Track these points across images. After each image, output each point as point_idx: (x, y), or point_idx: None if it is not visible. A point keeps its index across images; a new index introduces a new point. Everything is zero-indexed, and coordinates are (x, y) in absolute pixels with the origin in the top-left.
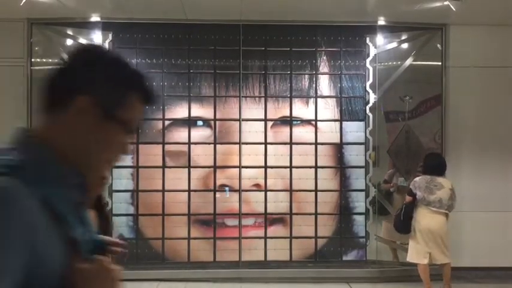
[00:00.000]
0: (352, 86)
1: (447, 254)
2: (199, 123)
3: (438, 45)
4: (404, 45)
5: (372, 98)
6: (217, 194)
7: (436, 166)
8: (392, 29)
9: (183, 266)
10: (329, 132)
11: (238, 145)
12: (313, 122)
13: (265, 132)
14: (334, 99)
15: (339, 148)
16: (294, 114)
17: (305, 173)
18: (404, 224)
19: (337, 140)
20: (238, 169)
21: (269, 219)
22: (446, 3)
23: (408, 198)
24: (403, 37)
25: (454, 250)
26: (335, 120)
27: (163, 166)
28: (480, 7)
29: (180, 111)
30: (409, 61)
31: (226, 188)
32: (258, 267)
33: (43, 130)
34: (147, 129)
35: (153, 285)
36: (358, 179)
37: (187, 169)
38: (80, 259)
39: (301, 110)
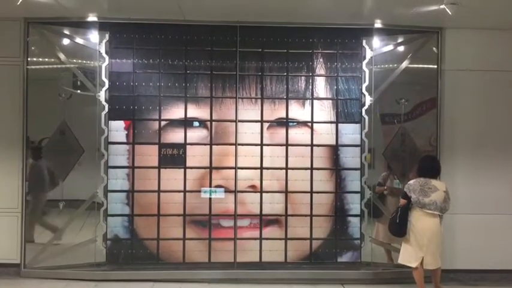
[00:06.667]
0: (348, 88)
1: (439, 259)
2: (196, 124)
3: (434, 49)
4: (401, 48)
5: (368, 100)
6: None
7: (430, 169)
8: (388, 32)
9: (178, 266)
10: (325, 134)
11: (234, 146)
12: (309, 124)
13: (261, 134)
14: (330, 101)
15: (334, 150)
16: (290, 116)
17: (301, 174)
18: (399, 227)
19: (333, 142)
20: (234, 170)
21: (264, 220)
22: (442, 6)
23: (403, 201)
24: (399, 40)
25: (448, 252)
26: (331, 122)
27: (159, 166)
28: (476, 11)
29: (176, 112)
30: (405, 64)
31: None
32: (253, 268)
33: None
34: (143, 130)
35: (147, 285)
36: (353, 181)
37: (182, 170)
38: None
39: (298, 111)
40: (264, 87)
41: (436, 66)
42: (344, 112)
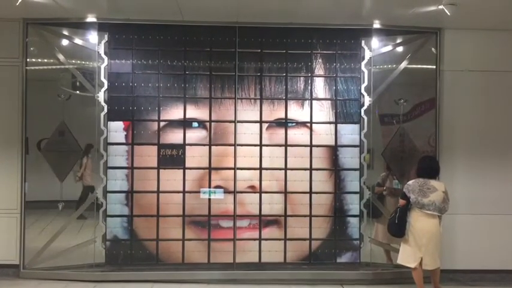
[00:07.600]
0: (347, 89)
1: (437, 259)
2: (195, 124)
3: (433, 49)
4: (399, 49)
5: (367, 100)
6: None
7: (429, 169)
8: (387, 33)
9: (177, 267)
10: (324, 134)
11: (233, 147)
12: (308, 124)
13: (261, 134)
14: (329, 101)
15: (333, 150)
16: (289, 116)
17: (300, 175)
18: (398, 228)
19: (332, 142)
20: (233, 171)
21: (264, 221)
22: (441, 7)
23: (402, 202)
24: (398, 40)
25: (447, 253)
26: (330, 123)
27: (158, 167)
28: (475, 11)
29: (175, 113)
30: (403, 64)
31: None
32: (252, 269)
33: None
34: (142, 131)
35: (147, 286)
36: (352, 182)
37: (182, 170)
38: None
39: (297, 112)
40: (263, 88)
41: (434, 67)
42: (343, 112)
